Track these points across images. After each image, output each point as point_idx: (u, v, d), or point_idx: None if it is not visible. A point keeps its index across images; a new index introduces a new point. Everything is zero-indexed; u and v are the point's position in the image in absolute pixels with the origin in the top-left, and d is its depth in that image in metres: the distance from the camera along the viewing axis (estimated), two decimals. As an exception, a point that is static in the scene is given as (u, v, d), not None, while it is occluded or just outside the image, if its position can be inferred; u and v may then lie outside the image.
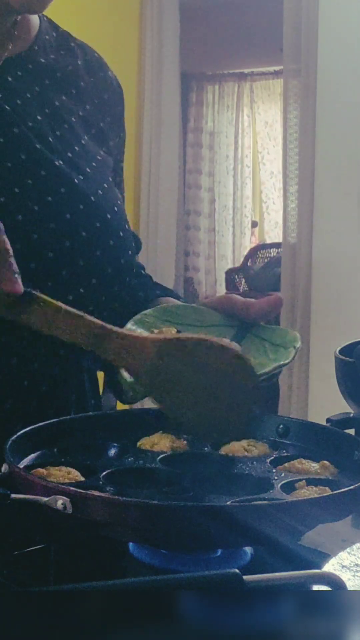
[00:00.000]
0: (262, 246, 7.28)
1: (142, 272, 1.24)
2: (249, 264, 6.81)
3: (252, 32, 6.29)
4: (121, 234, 1.10)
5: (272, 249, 6.80)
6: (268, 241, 7.85)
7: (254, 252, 7.04)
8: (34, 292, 0.84)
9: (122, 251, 1.10)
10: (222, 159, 8.21)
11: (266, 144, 8.21)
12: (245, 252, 7.57)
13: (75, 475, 0.83)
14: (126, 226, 1.12)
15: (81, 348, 1.12)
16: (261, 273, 6.20)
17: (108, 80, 1.21)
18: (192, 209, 8.37)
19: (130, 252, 1.12)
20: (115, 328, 0.86)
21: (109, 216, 1.09)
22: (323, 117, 3.59)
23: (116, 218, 1.10)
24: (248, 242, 8.38)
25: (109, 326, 0.86)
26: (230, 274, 7.12)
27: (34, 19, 1.14)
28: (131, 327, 1.00)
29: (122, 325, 0.99)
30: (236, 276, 6.88)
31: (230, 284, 6.94)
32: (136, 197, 4.31)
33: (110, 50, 4.23)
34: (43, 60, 1.12)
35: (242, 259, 7.27)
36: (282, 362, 0.94)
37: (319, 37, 3.57)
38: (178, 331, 0.97)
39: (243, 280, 6.69)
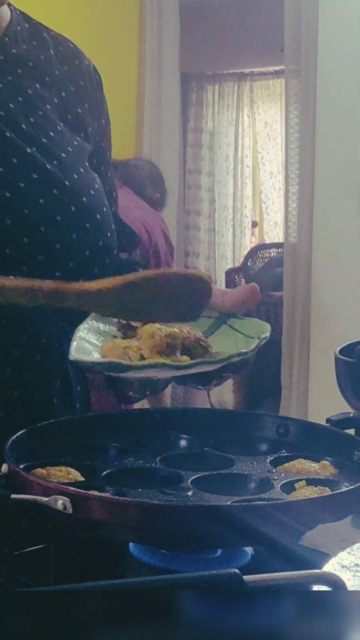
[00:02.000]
0: (262, 246, 7.28)
1: (139, 269, 1.24)
2: (249, 264, 6.80)
3: (252, 32, 6.29)
4: (98, 216, 1.11)
5: (272, 249, 6.79)
6: (267, 241, 7.85)
7: (254, 252, 7.04)
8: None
9: (100, 233, 1.11)
10: (222, 159, 8.22)
11: (266, 144, 8.21)
12: (245, 252, 7.57)
13: (75, 475, 0.83)
14: (104, 209, 1.13)
15: (65, 336, 1.12)
16: (261, 273, 6.19)
17: (84, 67, 1.22)
18: (192, 209, 8.36)
19: (109, 234, 1.13)
20: (70, 285, 0.90)
21: (84, 199, 1.10)
22: (323, 117, 3.59)
23: (92, 201, 1.11)
24: (248, 242, 8.38)
25: (64, 284, 0.90)
26: (230, 274, 7.11)
27: (4, 11, 1.15)
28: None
29: None
30: (236, 276, 6.87)
31: (230, 284, 6.93)
32: (136, 197, 4.31)
33: (110, 50, 4.23)
34: (14, 51, 1.13)
35: (242, 259, 7.27)
36: (241, 351, 0.92)
37: (319, 37, 3.57)
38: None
39: (243, 281, 6.68)
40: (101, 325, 0.97)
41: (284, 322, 3.77)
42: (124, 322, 0.96)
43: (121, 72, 4.03)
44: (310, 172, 3.62)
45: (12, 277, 0.89)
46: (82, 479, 0.83)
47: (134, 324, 0.95)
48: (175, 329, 0.91)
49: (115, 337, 0.95)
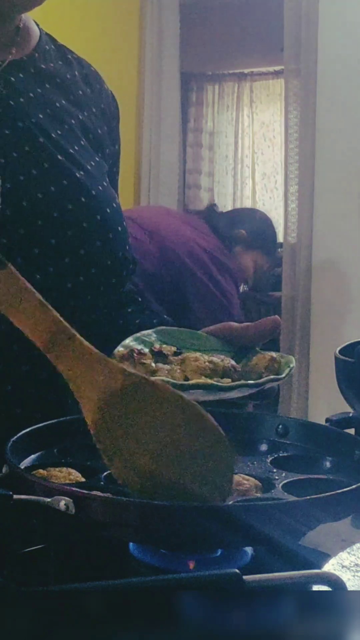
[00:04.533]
0: (262, 246, 7.26)
1: (139, 298, 1.29)
2: (249, 264, 6.80)
3: (252, 32, 6.29)
4: (119, 228, 1.15)
5: (272, 249, 6.79)
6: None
7: (254, 252, 7.02)
8: (3, 259, 0.72)
9: (120, 245, 1.15)
10: (221, 159, 8.22)
11: (261, 145, 8.21)
12: (245, 252, 7.55)
13: (76, 476, 0.83)
14: (124, 223, 1.17)
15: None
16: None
17: (104, 92, 1.26)
18: (192, 209, 8.36)
19: (127, 247, 1.17)
20: (81, 338, 0.73)
21: (108, 210, 1.13)
22: (323, 117, 3.59)
23: (115, 213, 1.15)
24: (248, 242, 8.37)
25: (74, 332, 0.73)
26: (230, 274, 7.10)
27: (33, 29, 1.20)
28: (130, 343, 1.01)
29: (114, 347, 1.00)
30: (236, 276, 6.86)
31: (230, 284, 6.93)
32: (136, 197, 4.32)
33: (110, 51, 4.24)
34: (43, 66, 1.17)
35: (242, 259, 7.26)
36: (273, 377, 0.94)
37: (319, 37, 3.57)
38: (178, 349, 0.98)
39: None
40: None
41: (283, 323, 3.77)
42: (157, 349, 0.97)
43: (121, 72, 4.03)
44: (310, 171, 3.62)
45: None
46: (83, 479, 0.83)
47: (165, 351, 0.96)
48: (215, 358, 0.94)
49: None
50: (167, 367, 0.93)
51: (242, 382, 0.91)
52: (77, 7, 4.01)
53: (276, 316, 1.04)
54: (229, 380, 0.91)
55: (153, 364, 0.94)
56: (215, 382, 0.89)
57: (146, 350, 0.99)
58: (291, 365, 0.96)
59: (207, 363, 0.92)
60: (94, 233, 1.11)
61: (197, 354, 0.95)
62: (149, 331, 1.06)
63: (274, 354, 0.98)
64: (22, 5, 1.12)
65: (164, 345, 1.00)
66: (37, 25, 1.22)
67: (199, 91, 8.14)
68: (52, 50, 1.21)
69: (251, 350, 1.03)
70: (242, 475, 0.85)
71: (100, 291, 1.12)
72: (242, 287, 6.53)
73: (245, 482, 0.84)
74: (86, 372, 0.72)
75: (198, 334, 1.08)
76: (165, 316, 1.23)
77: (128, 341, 1.01)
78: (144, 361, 0.93)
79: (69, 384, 0.75)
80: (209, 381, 0.89)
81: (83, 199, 1.10)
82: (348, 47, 3.52)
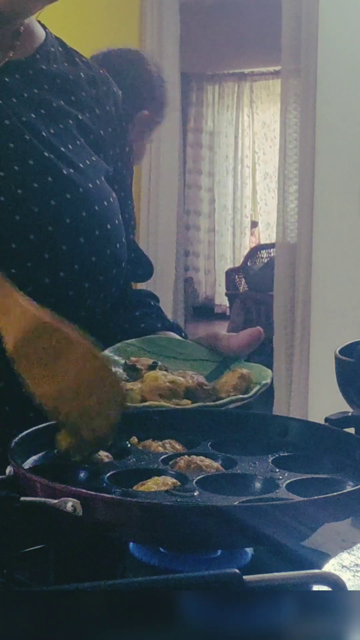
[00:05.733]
0: (262, 246, 7.29)
1: (151, 302, 1.28)
2: (248, 264, 6.82)
3: (252, 32, 6.29)
4: (109, 226, 1.14)
5: (272, 249, 6.81)
6: (261, 242, 7.88)
7: (253, 252, 7.06)
8: None
9: (109, 242, 1.14)
10: (221, 159, 8.24)
11: (262, 145, 8.22)
12: (245, 252, 7.59)
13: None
14: (116, 221, 1.16)
15: None
16: (261, 273, 6.21)
17: (112, 94, 1.25)
18: (192, 209, 8.37)
19: (118, 245, 1.15)
20: (4, 279, 0.85)
21: (96, 208, 1.12)
22: (323, 117, 3.59)
23: (105, 211, 1.14)
24: (248, 242, 8.39)
25: None
26: (230, 274, 7.13)
27: (38, 31, 1.20)
28: (109, 354, 1.02)
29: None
30: (236, 276, 6.89)
31: (230, 284, 6.96)
32: (136, 198, 4.31)
33: (110, 51, 4.18)
34: (44, 67, 1.17)
35: (241, 259, 7.29)
36: (241, 396, 0.95)
37: (319, 37, 3.57)
38: (154, 362, 0.98)
39: (243, 280, 6.70)
40: None
41: (284, 323, 3.77)
42: (130, 363, 0.98)
43: (121, 72, 4.03)
44: (310, 171, 3.62)
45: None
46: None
47: (138, 366, 0.97)
48: (180, 377, 0.95)
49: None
50: (129, 385, 0.94)
51: (200, 404, 0.93)
52: (77, 7, 4.01)
53: (258, 327, 1.05)
54: (189, 401, 0.93)
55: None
56: (167, 405, 0.92)
57: (120, 365, 1.00)
58: (263, 382, 0.97)
59: (167, 383, 0.93)
60: (77, 229, 1.10)
61: (160, 373, 0.95)
62: (133, 340, 1.07)
63: (245, 372, 0.99)
64: (4, 12, 1.12)
65: (142, 358, 1.00)
66: (45, 28, 1.22)
67: (199, 91, 8.16)
68: (58, 52, 1.21)
69: (236, 360, 1.04)
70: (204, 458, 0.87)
71: (84, 288, 1.11)
72: (242, 287, 6.52)
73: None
74: (6, 311, 0.84)
75: (185, 343, 1.09)
76: (171, 321, 1.23)
77: (106, 352, 1.02)
78: None
79: None
80: (162, 403, 0.92)
81: (68, 196, 1.10)
82: (348, 47, 3.53)
